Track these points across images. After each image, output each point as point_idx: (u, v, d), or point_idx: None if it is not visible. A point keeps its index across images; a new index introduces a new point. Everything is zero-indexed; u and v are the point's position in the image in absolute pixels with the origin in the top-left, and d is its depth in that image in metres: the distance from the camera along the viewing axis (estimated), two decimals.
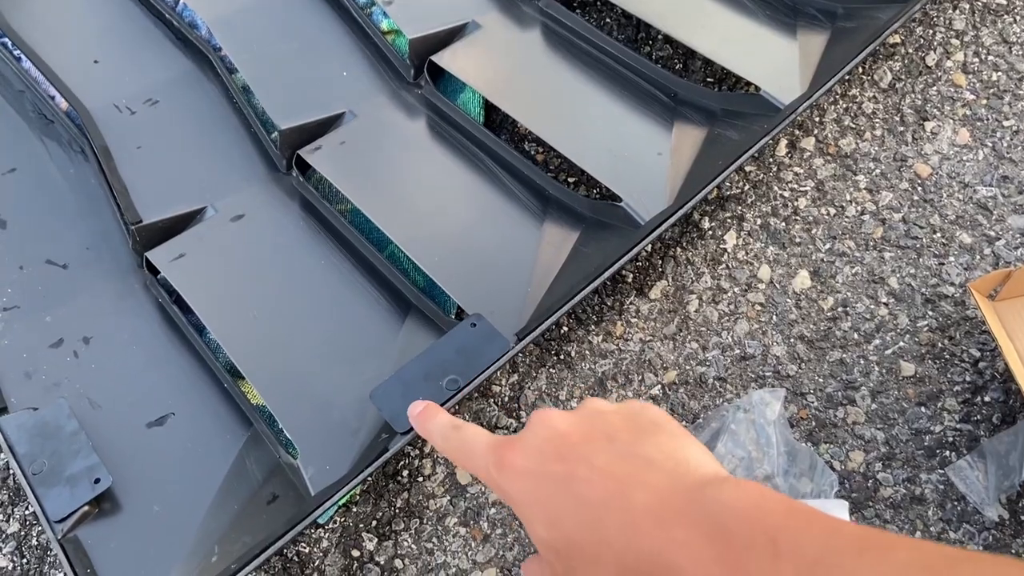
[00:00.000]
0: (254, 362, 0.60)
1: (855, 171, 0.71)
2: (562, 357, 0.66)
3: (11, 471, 0.65)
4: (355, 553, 0.60)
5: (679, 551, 0.29)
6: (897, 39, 0.77)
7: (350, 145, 0.71)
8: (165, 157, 0.73)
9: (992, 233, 0.67)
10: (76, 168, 0.73)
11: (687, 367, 0.64)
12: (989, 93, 0.74)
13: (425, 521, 0.61)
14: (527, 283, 0.63)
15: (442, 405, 0.53)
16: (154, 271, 0.66)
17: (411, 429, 0.53)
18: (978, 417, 0.60)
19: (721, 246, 0.69)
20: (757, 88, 0.68)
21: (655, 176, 0.65)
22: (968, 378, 0.61)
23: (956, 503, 0.57)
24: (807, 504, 0.31)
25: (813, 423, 0.61)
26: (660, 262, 0.69)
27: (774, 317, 0.65)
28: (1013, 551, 0.55)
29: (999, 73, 0.75)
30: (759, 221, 0.70)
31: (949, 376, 0.62)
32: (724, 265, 0.68)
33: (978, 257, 0.66)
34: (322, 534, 0.61)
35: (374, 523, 0.61)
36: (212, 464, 0.57)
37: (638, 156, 0.67)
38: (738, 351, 0.64)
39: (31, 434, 0.56)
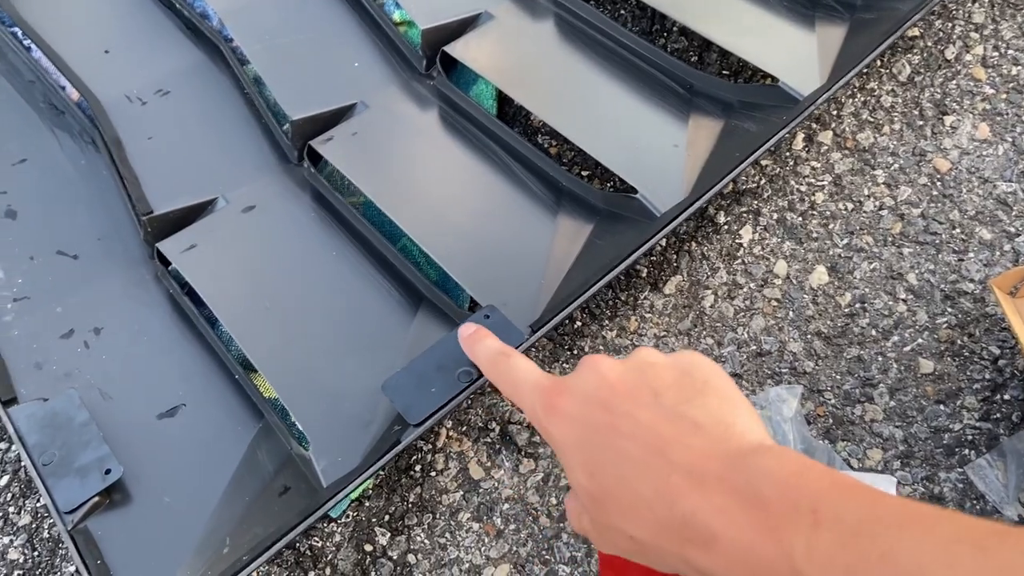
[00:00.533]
0: (266, 354, 0.59)
1: (873, 165, 0.70)
2: (575, 352, 0.65)
3: (22, 462, 0.65)
4: (368, 547, 0.59)
5: (715, 515, 0.29)
6: (916, 32, 0.76)
7: (362, 136, 0.70)
8: (176, 148, 0.72)
9: (1012, 229, 0.66)
10: (87, 159, 0.73)
11: None
12: (1009, 87, 0.73)
13: (438, 516, 0.60)
14: (541, 275, 0.62)
15: (455, 397, 0.53)
16: (165, 262, 0.66)
17: (423, 421, 0.52)
18: (998, 415, 0.59)
19: (737, 241, 0.68)
20: (775, 80, 0.67)
21: (671, 168, 0.64)
22: (988, 376, 0.60)
23: (975, 502, 0.57)
24: (853, 476, 0.30)
25: (830, 420, 0.60)
26: (675, 257, 0.68)
27: (791, 313, 0.65)
28: None
29: (1019, 67, 0.74)
30: (775, 216, 0.69)
31: (968, 374, 0.61)
32: (740, 260, 0.67)
33: (998, 253, 0.65)
34: (335, 528, 0.60)
35: (387, 518, 0.60)
36: (223, 455, 0.56)
37: (654, 148, 0.66)
38: (754, 347, 0.64)
39: (41, 425, 0.56)
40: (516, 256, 0.63)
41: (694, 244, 0.69)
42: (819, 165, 0.71)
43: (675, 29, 0.79)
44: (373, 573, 0.59)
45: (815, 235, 0.68)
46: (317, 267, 0.65)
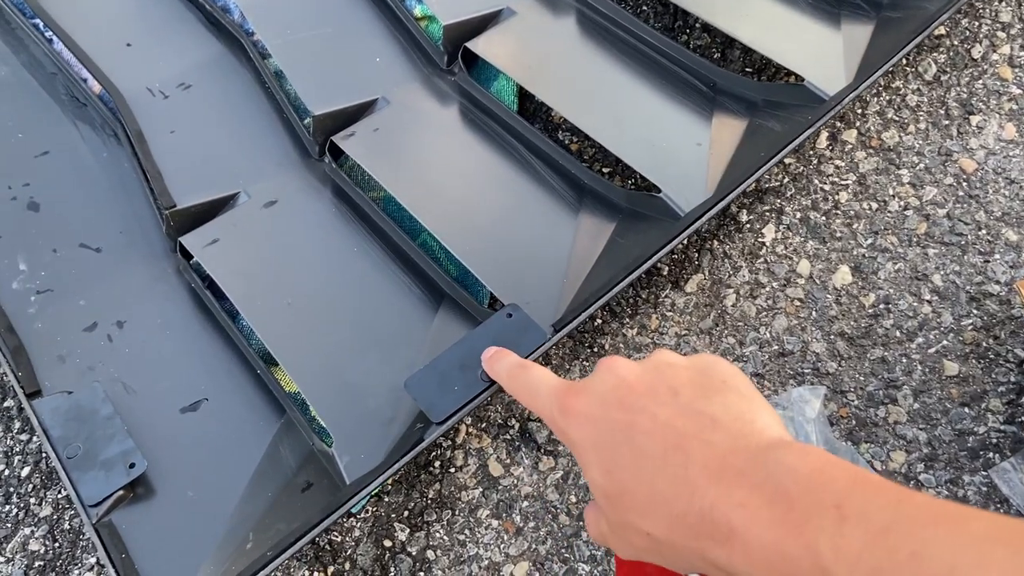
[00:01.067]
0: (288, 349, 0.59)
1: (898, 165, 0.70)
2: (596, 350, 0.65)
3: (44, 454, 0.65)
4: (387, 543, 0.60)
5: (735, 510, 0.28)
6: (942, 31, 0.76)
7: (383, 132, 0.70)
8: (198, 142, 0.72)
9: None
10: (109, 151, 0.73)
11: None
12: None
13: (457, 513, 0.60)
14: (563, 274, 0.62)
15: (477, 396, 0.53)
16: (187, 256, 0.66)
17: (446, 419, 0.52)
18: (1023, 419, 0.59)
19: (759, 240, 0.68)
20: (799, 78, 0.66)
21: (695, 167, 0.64)
22: (1013, 379, 0.60)
23: (999, 506, 0.56)
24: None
25: (853, 422, 0.60)
26: (696, 255, 0.68)
27: (814, 313, 0.64)
28: None
29: None
30: (799, 215, 0.68)
31: (994, 376, 0.60)
32: (762, 259, 0.67)
33: None
34: (354, 523, 0.60)
35: (406, 513, 0.61)
36: (246, 450, 0.57)
37: (677, 146, 0.66)
38: (776, 347, 0.63)
39: (66, 418, 0.56)
40: (538, 254, 0.63)
41: (716, 242, 0.68)
42: (843, 164, 0.70)
43: (697, 26, 0.79)
44: (392, 569, 0.59)
45: (839, 235, 0.67)
46: (338, 262, 0.65)
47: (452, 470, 0.62)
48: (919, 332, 0.63)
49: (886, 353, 0.62)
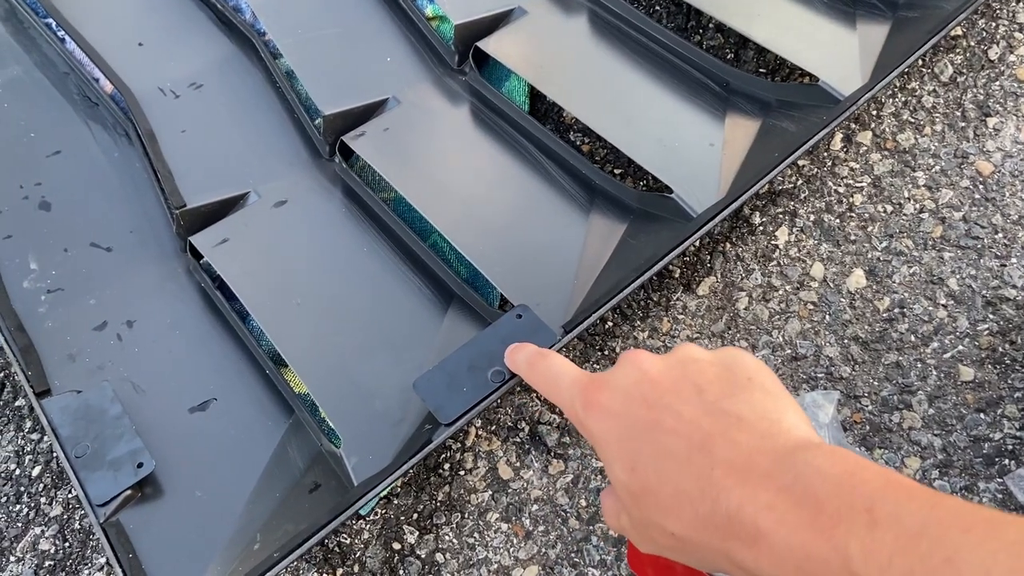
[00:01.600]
0: (297, 349, 0.59)
1: (914, 167, 0.69)
2: (607, 352, 0.65)
3: (54, 454, 0.65)
4: (396, 545, 0.59)
5: (763, 512, 0.28)
6: (959, 31, 0.75)
7: (394, 132, 0.70)
8: (209, 141, 0.72)
9: None
10: (120, 151, 0.73)
11: None
12: None
13: (466, 515, 0.60)
14: (573, 275, 0.61)
15: (486, 397, 0.52)
16: (197, 256, 0.66)
17: (455, 421, 0.52)
18: None
19: (772, 242, 0.67)
20: (814, 79, 0.65)
21: (707, 168, 0.63)
22: None
23: (1015, 513, 0.55)
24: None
25: (867, 427, 0.59)
26: (708, 257, 0.67)
27: (827, 317, 0.64)
28: None
29: None
30: (812, 217, 0.68)
31: (1010, 382, 0.59)
32: (775, 262, 0.66)
33: None
34: (363, 525, 0.60)
35: (415, 516, 0.60)
36: (254, 451, 0.56)
37: (689, 147, 0.65)
38: (789, 351, 0.63)
39: (75, 417, 0.56)
40: (548, 255, 0.63)
41: (728, 245, 0.68)
42: (858, 166, 0.69)
43: (711, 26, 0.78)
44: (401, 571, 0.59)
45: (853, 237, 0.66)
46: (348, 263, 0.65)
47: (461, 473, 0.62)
48: (934, 337, 0.62)
49: (901, 358, 0.61)
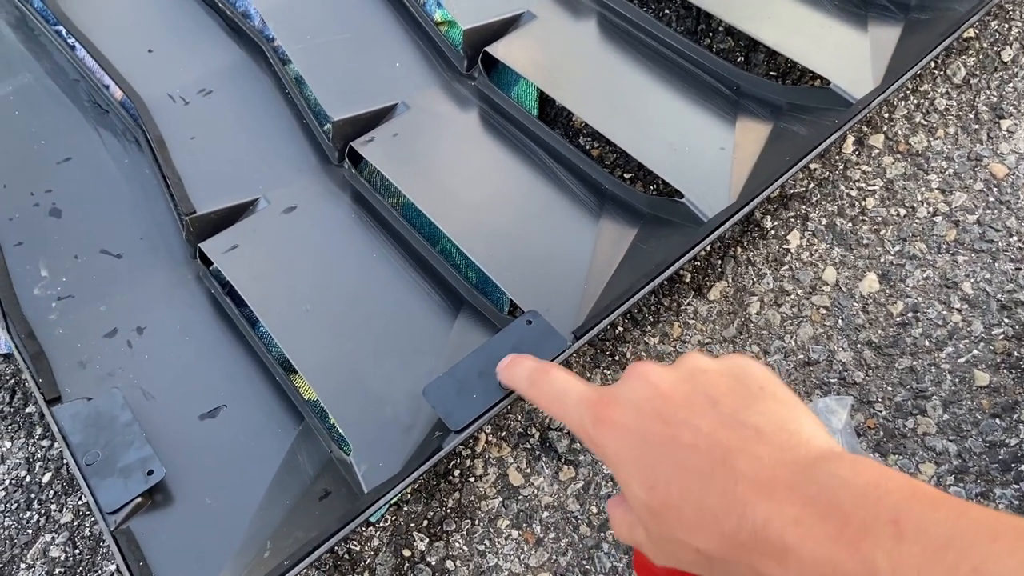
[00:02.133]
0: (306, 356, 0.59)
1: (927, 170, 0.68)
2: (617, 358, 0.64)
3: (64, 461, 0.65)
4: (406, 553, 0.59)
5: (789, 527, 0.28)
6: (971, 33, 0.74)
7: (403, 137, 0.70)
8: (218, 148, 0.72)
9: None
10: (130, 158, 0.73)
11: None
12: None
13: (477, 522, 0.60)
14: (583, 280, 0.61)
15: (497, 404, 0.52)
16: (207, 262, 0.66)
17: (465, 427, 0.52)
18: None
19: (784, 246, 0.67)
20: (825, 82, 0.65)
21: (718, 172, 0.63)
22: None
23: None
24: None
25: (881, 433, 0.59)
26: (720, 262, 0.67)
27: (840, 321, 0.63)
28: None
29: None
30: (824, 221, 0.67)
31: None
32: (787, 266, 0.66)
33: None
34: (373, 532, 0.60)
35: (425, 523, 0.60)
36: (264, 458, 0.56)
37: (700, 151, 0.65)
38: (801, 356, 0.62)
39: (85, 424, 0.56)
40: (558, 260, 0.62)
41: (740, 249, 0.67)
42: (870, 169, 0.69)
43: (721, 29, 0.78)
44: None
45: (865, 241, 0.66)
46: (357, 268, 0.65)
47: (472, 479, 0.61)
48: (949, 341, 0.61)
49: (915, 363, 0.61)
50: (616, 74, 0.72)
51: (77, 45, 0.79)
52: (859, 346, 0.62)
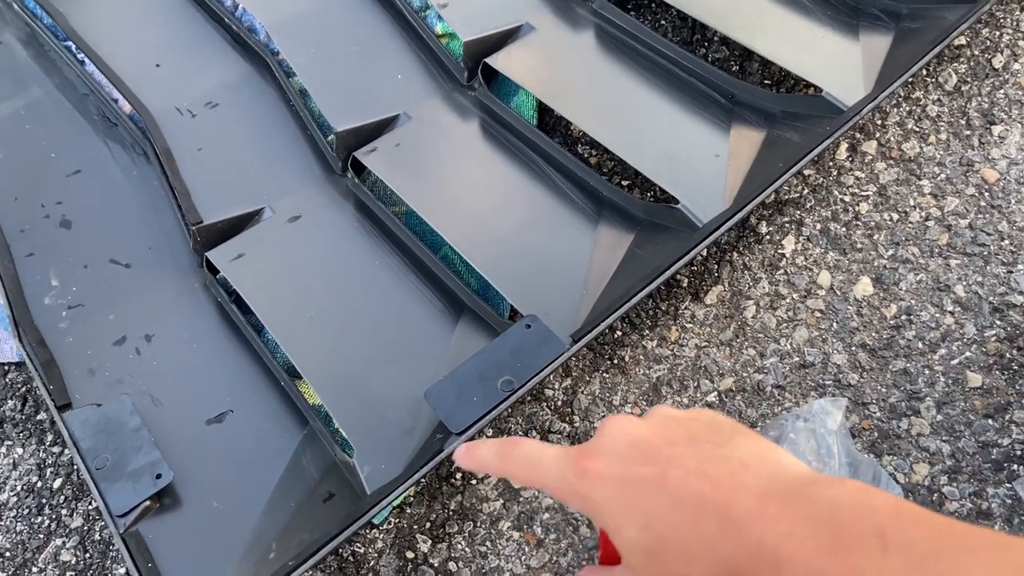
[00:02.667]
0: (311, 361, 0.60)
1: (919, 175, 0.69)
2: (616, 362, 0.66)
3: (75, 466, 0.67)
4: (409, 554, 0.60)
5: (784, 542, 0.29)
6: (963, 41, 0.75)
7: (405, 147, 0.71)
8: (225, 159, 0.74)
9: None
10: (139, 170, 0.75)
11: (744, 374, 0.63)
12: None
13: (479, 524, 0.61)
14: (581, 285, 0.62)
15: (496, 406, 0.53)
16: (214, 271, 0.67)
17: (465, 430, 0.53)
18: None
19: (779, 251, 0.68)
20: (818, 90, 0.66)
21: (713, 178, 0.64)
22: None
23: None
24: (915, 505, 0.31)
25: (875, 434, 0.60)
26: (716, 267, 0.68)
27: (835, 324, 0.64)
28: None
29: None
30: (819, 226, 0.68)
31: (1018, 387, 0.60)
32: (782, 271, 0.67)
33: None
34: (377, 535, 0.61)
35: (428, 525, 0.61)
36: (269, 461, 0.57)
37: (695, 158, 0.66)
38: (797, 359, 0.63)
39: (95, 430, 0.57)
40: (557, 266, 0.64)
41: (735, 254, 0.68)
42: (863, 175, 0.70)
43: (716, 39, 0.79)
44: None
45: (859, 246, 0.67)
46: (361, 276, 0.66)
47: (473, 482, 0.62)
48: (942, 343, 0.62)
49: (908, 365, 0.62)
50: (613, 84, 0.73)
51: (86, 60, 0.81)
52: (853, 349, 0.63)
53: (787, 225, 0.69)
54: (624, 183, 0.73)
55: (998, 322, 0.62)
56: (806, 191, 0.70)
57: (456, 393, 0.54)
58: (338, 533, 0.51)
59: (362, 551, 0.61)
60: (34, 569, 0.63)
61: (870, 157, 0.71)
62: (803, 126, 0.65)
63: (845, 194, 0.70)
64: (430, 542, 0.60)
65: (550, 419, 0.64)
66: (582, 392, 0.64)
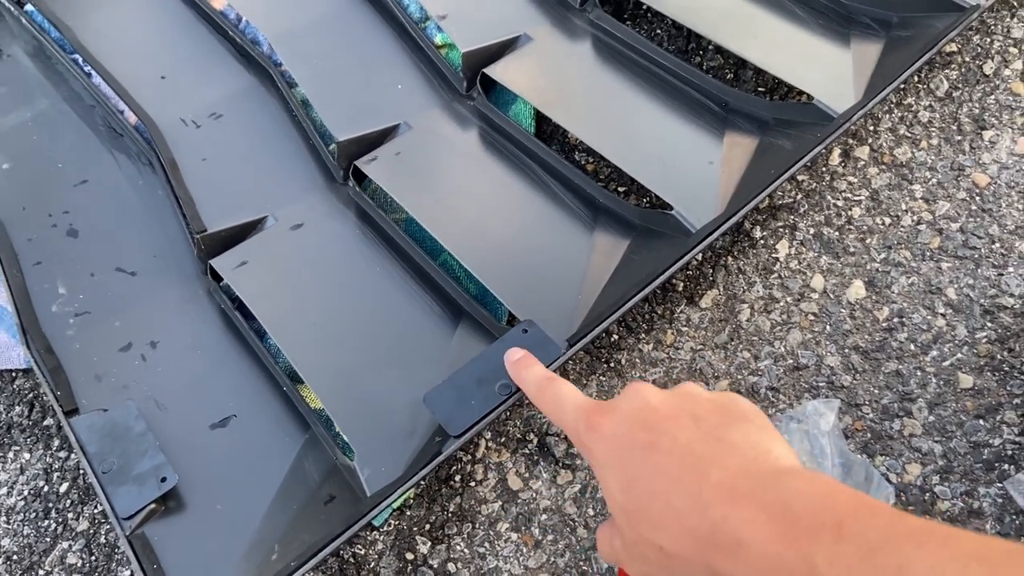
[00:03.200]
0: (313, 367, 0.61)
1: (911, 180, 0.70)
2: (612, 365, 0.67)
3: (81, 470, 0.68)
4: (409, 556, 0.61)
5: (743, 525, 0.30)
6: (954, 47, 0.76)
7: (405, 156, 0.73)
8: (228, 169, 0.75)
9: None
10: (144, 179, 0.76)
11: (739, 377, 0.64)
12: None
13: (477, 526, 0.62)
14: (578, 290, 0.63)
15: (494, 410, 0.54)
16: (217, 278, 0.68)
17: (464, 433, 0.54)
18: None
19: (773, 255, 0.69)
20: (810, 97, 0.67)
21: (706, 185, 0.65)
22: None
23: (1015, 517, 0.56)
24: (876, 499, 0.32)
25: (868, 435, 0.60)
26: (711, 271, 0.69)
27: (828, 327, 0.65)
28: None
29: None
30: (812, 230, 0.69)
31: (1008, 388, 0.60)
32: (776, 274, 0.68)
33: None
34: (377, 536, 0.62)
35: (427, 526, 0.62)
36: (272, 465, 0.59)
37: (689, 165, 0.67)
38: (791, 361, 0.64)
39: (101, 434, 0.59)
40: (554, 271, 0.65)
41: (730, 258, 0.69)
42: (856, 180, 0.71)
43: (710, 48, 0.80)
44: None
45: (852, 249, 0.68)
46: (362, 282, 0.67)
47: (472, 484, 0.63)
48: (933, 345, 0.63)
49: (900, 366, 0.63)
50: (609, 93, 0.74)
51: (93, 72, 0.83)
52: (847, 351, 0.64)
53: (781, 230, 0.70)
54: (620, 189, 0.74)
55: (989, 324, 0.63)
56: (800, 196, 0.71)
57: (455, 397, 0.55)
58: (339, 535, 0.52)
59: (363, 552, 0.62)
60: (41, 572, 0.64)
61: (863, 162, 0.72)
62: (795, 133, 0.66)
63: (838, 199, 0.71)
64: (429, 543, 0.61)
65: (547, 422, 0.65)
66: None
